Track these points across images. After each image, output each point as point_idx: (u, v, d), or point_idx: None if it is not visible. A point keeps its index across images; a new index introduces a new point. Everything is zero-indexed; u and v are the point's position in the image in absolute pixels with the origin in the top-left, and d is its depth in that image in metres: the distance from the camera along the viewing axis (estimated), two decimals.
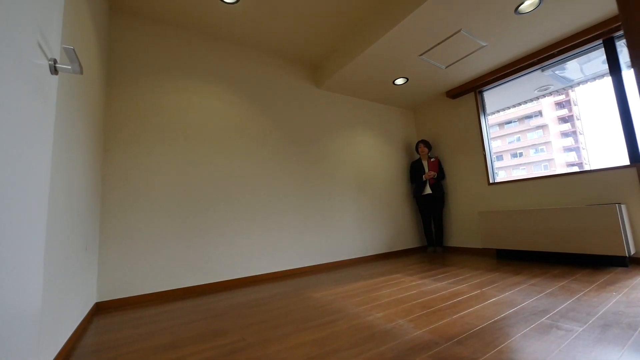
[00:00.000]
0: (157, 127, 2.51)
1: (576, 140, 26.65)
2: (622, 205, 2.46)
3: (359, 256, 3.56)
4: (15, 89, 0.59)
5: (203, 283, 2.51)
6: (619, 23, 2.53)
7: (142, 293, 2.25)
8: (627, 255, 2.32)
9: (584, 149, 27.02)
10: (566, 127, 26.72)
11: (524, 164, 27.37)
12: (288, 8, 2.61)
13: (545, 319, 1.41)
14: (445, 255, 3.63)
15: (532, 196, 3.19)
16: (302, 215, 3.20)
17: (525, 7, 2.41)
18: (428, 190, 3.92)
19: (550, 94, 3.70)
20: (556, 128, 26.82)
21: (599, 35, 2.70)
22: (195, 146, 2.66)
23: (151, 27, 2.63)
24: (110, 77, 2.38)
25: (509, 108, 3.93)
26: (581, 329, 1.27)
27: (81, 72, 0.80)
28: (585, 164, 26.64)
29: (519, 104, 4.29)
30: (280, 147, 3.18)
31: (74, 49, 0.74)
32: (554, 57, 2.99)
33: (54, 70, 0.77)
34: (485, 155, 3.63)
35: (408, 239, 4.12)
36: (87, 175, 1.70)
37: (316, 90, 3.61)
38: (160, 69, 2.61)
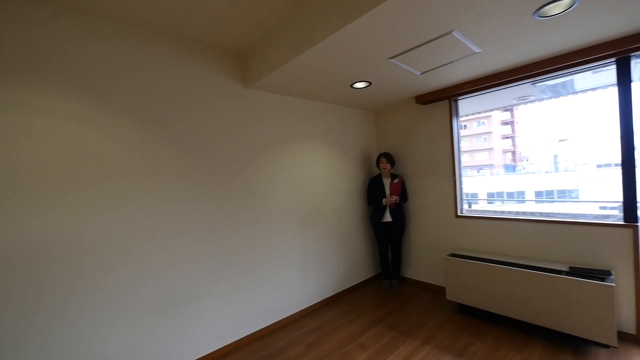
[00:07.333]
0: None
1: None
2: (612, 277, 2.05)
3: (301, 309, 2.85)
4: None
5: None
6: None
7: None
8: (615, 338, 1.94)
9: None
10: None
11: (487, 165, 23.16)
12: None
13: None
14: (402, 290, 3.31)
15: (505, 238, 2.70)
16: (222, 280, 2.30)
17: (550, 8, 1.60)
18: (388, 217, 3.26)
19: (527, 104, 3.29)
20: None
21: (614, 53, 2.07)
22: (34, 195, 1.50)
23: None
24: None
25: (478, 114, 3.33)
26: None
27: None
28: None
29: (491, 110, 3.78)
30: (187, 183, 2.12)
31: None
32: (560, 70, 2.31)
33: None
34: (455, 181, 3.02)
35: (361, 270, 3.51)
36: None
37: (243, 90, 2.50)
38: None
